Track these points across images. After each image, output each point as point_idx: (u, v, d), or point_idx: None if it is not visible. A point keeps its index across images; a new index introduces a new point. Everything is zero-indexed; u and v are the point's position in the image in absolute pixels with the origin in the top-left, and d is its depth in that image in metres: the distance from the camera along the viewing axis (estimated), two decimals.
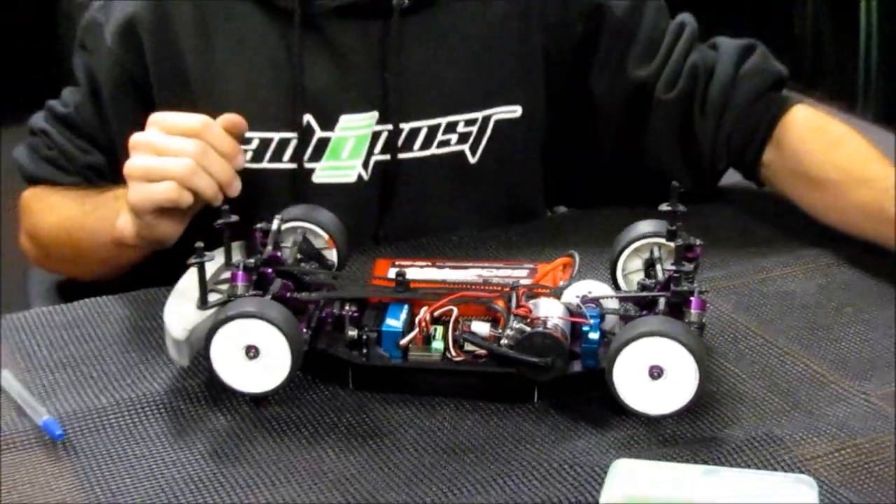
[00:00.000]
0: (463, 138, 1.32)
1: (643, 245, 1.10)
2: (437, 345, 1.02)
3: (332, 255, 1.14)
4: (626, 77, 1.35)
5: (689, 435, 0.98)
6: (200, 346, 1.00)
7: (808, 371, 1.07)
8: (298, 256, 1.10)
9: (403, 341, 1.02)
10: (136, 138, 1.16)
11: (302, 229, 1.13)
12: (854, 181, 1.26)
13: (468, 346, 1.02)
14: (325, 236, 1.13)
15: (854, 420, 1.00)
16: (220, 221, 1.05)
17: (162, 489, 0.92)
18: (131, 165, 1.15)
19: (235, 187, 1.15)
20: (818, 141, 1.31)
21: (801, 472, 0.92)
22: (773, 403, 1.02)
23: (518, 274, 1.10)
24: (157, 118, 1.17)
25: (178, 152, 1.13)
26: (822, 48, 2.09)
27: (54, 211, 1.32)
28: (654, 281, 1.06)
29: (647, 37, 1.35)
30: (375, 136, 1.30)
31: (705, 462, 0.94)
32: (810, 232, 1.30)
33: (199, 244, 1.02)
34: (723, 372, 1.06)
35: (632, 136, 1.37)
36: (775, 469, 0.93)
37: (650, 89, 1.35)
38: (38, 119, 1.36)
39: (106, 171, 1.32)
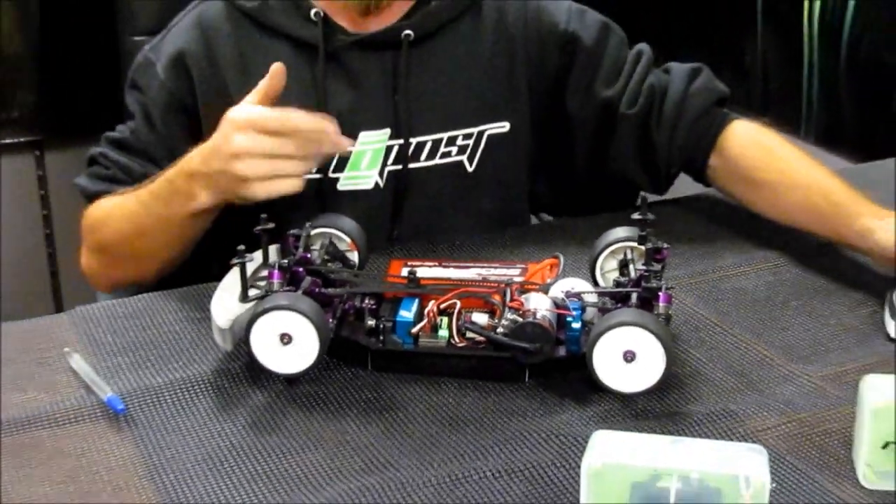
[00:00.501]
0: (462, 150, 1.33)
1: (618, 248, 1.10)
2: (443, 333, 1.02)
3: (354, 257, 1.14)
4: (595, 96, 1.36)
5: (657, 410, 0.98)
6: (242, 333, 1.00)
7: (759, 356, 1.07)
8: (325, 257, 1.10)
9: (414, 330, 1.02)
10: (244, 146, 1.11)
11: (328, 234, 1.13)
12: (787, 182, 1.27)
13: (469, 334, 1.02)
14: (348, 241, 1.14)
15: (798, 397, 1.00)
16: (259, 228, 1.05)
17: (209, 455, 0.93)
18: (249, 171, 1.11)
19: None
20: (755, 148, 1.32)
21: (753, 441, 0.93)
22: (729, 383, 1.02)
23: (512, 272, 1.10)
24: (255, 119, 1.12)
25: (301, 156, 1.11)
26: (770, 79, 2.09)
27: (116, 209, 1.27)
28: (627, 279, 1.06)
29: (611, 62, 1.36)
30: (389, 149, 1.30)
31: (671, 433, 0.94)
32: (761, 237, 1.29)
33: (241, 247, 1.02)
34: (686, 356, 1.06)
35: (601, 146, 1.38)
36: (731, 439, 0.93)
37: (615, 106, 1.35)
38: (96, 148, 1.33)
39: None
